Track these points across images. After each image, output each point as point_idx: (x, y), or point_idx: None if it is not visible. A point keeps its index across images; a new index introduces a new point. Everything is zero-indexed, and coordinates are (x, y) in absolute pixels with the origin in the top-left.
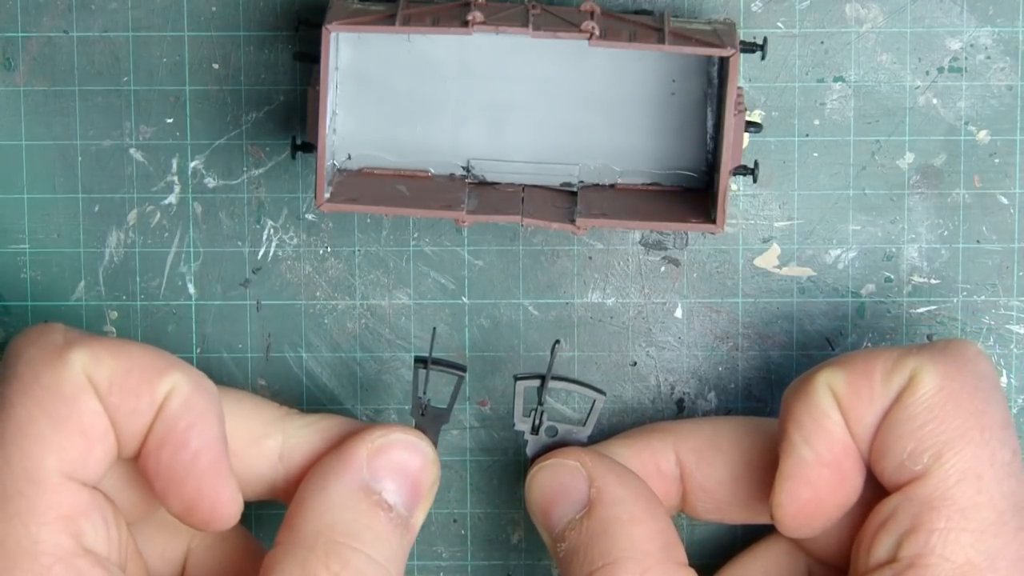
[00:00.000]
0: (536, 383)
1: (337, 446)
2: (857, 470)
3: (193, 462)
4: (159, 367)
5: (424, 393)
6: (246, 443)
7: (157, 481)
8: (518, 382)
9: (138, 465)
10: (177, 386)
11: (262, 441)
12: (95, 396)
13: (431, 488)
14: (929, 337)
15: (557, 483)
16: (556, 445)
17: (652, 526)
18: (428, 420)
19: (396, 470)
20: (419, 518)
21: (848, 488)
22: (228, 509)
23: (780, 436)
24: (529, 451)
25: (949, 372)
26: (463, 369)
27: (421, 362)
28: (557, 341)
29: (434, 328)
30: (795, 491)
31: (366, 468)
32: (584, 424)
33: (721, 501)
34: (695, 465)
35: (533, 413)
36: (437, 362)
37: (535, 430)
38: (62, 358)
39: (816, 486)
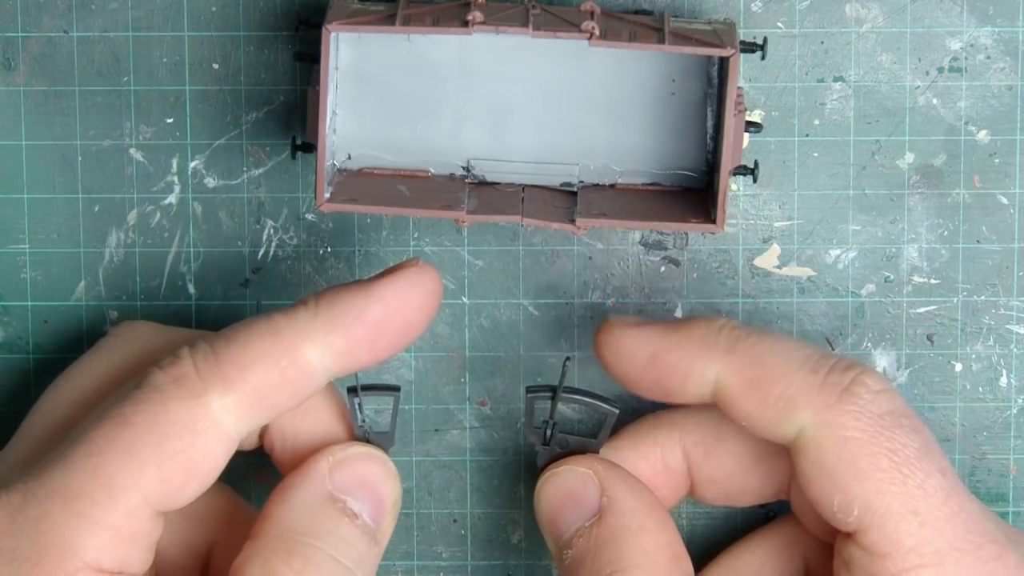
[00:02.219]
0: (547, 395)
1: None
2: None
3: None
4: (288, 342)
5: (363, 421)
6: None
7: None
8: (529, 395)
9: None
10: (312, 339)
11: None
12: (224, 436)
13: (395, 503)
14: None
15: (568, 490)
16: (567, 455)
17: (661, 537)
18: (375, 445)
19: (359, 482)
20: (385, 532)
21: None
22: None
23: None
24: (540, 462)
25: (848, 421)
26: (396, 388)
27: (352, 391)
28: (568, 358)
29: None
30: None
31: (329, 479)
32: (596, 438)
33: (730, 489)
34: (702, 458)
35: (544, 425)
36: (368, 387)
37: (546, 442)
38: (195, 394)
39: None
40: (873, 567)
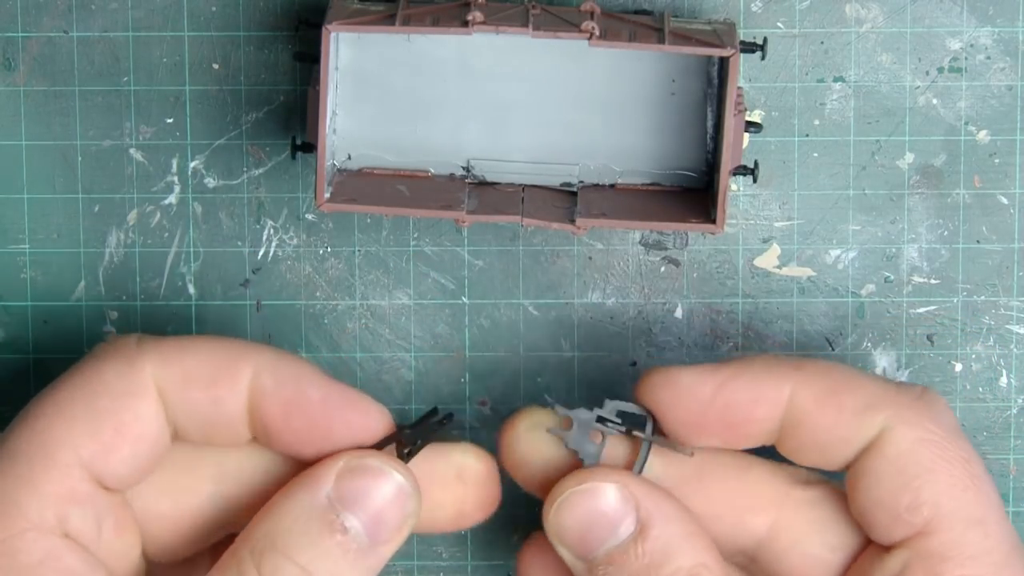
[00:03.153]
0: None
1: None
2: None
3: (325, 406)
4: (233, 355)
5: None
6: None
7: (307, 446)
8: (574, 411)
9: (278, 447)
10: (260, 365)
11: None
12: (153, 401)
13: (402, 522)
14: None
15: (596, 507)
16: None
17: (706, 537)
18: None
19: (362, 495)
20: (388, 548)
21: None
22: (378, 415)
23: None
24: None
25: (926, 424)
26: (450, 416)
27: (409, 441)
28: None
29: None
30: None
31: (332, 486)
32: (638, 469)
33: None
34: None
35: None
36: (423, 427)
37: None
38: (130, 359)
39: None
40: (931, 570)
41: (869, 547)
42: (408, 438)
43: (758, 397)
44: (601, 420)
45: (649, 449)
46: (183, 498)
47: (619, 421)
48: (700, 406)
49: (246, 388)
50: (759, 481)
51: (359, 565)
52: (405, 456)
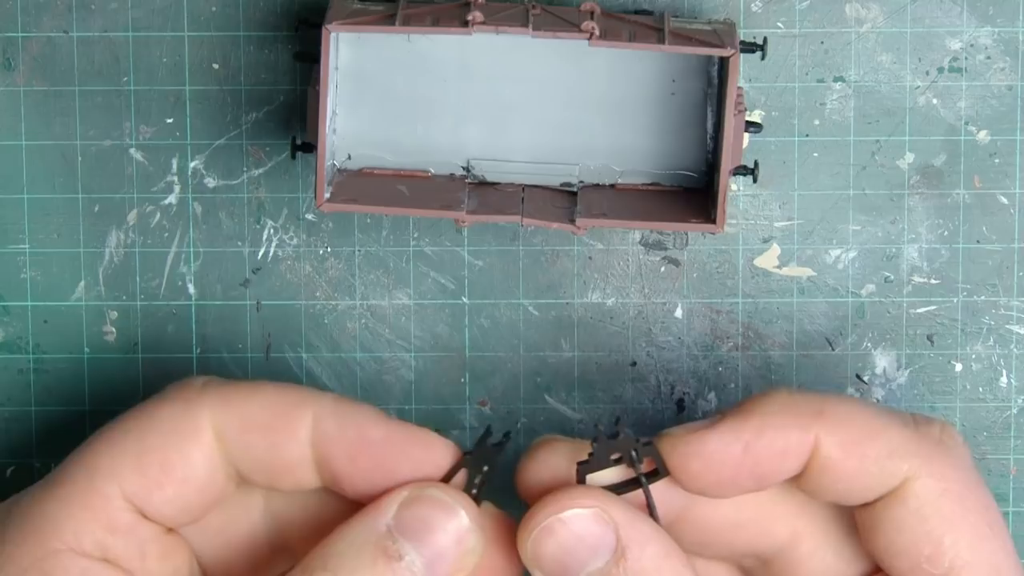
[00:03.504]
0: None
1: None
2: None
3: (388, 444)
4: (293, 401)
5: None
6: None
7: (375, 486)
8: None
9: (349, 491)
10: (320, 411)
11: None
12: (206, 445)
13: (464, 554)
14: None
15: (575, 532)
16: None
17: (683, 556)
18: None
19: (421, 528)
20: None
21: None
22: (442, 448)
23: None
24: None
25: (948, 473)
26: (508, 435)
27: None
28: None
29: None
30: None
31: (393, 515)
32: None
33: (718, 542)
34: (702, 502)
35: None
36: (483, 451)
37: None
38: (188, 401)
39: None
40: None
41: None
42: (472, 463)
43: (786, 450)
44: (635, 451)
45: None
46: (235, 512)
47: (637, 457)
48: (731, 469)
49: (307, 435)
50: (782, 490)
51: None
52: (476, 486)
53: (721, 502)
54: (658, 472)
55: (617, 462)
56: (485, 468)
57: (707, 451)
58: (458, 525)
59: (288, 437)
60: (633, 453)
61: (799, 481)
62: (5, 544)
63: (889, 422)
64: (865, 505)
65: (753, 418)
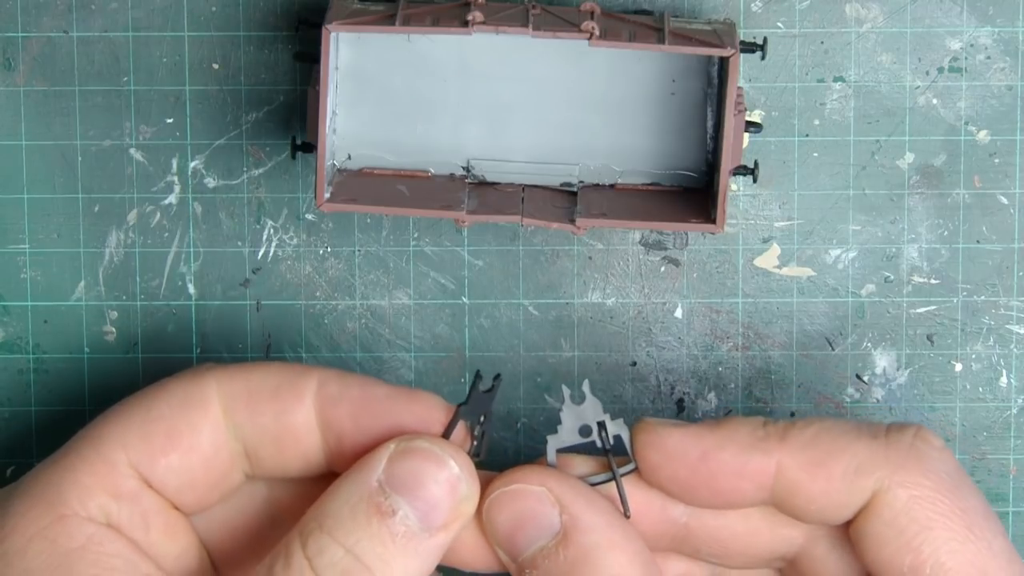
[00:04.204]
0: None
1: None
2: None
3: (391, 401)
4: (296, 371)
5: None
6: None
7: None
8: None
9: (352, 453)
10: (323, 377)
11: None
12: (213, 416)
13: (458, 504)
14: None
15: (522, 509)
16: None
17: (630, 549)
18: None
19: (411, 480)
20: (443, 535)
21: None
22: (443, 405)
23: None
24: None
25: (918, 480)
26: (498, 378)
27: (475, 412)
28: (491, 377)
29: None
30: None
31: (383, 469)
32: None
33: (730, 549)
34: (710, 515)
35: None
36: (477, 398)
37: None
38: (196, 375)
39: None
40: None
41: None
42: (468, 414)
43: (742, 471)
44: (601, 428)
45: (616, 474)
46: (241, 502)
47: (612, 444)
48: (687, 472)
49: (312, 400)
50: None
51: (410, 550)
52: (478, 438)
53: (727, 512)
54: (634, 465)
55: (586, 436)
56: (482, 418)
57: (667, 446)
58: (449, 474)
59: (294, 403)
60: (598, 427)
61: (777, 507)
62: (10, 516)
63: (856, 438)
64: (849, 524)
65: (720, 431)
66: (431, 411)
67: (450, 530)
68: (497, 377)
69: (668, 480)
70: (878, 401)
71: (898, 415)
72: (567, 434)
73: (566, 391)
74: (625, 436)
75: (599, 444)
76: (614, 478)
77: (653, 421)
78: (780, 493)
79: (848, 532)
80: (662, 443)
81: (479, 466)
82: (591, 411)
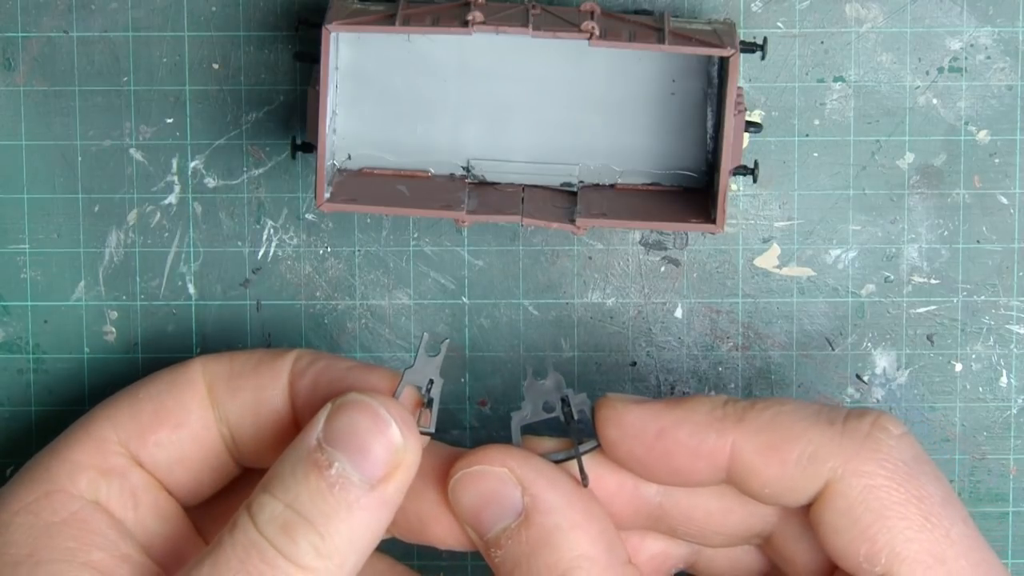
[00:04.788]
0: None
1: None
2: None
3: (349, 372)
4: (276, 351)
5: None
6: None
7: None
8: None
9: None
10: (300, 353)
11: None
12: (200, 395)
13: (395, 453)
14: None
15: (486, 489)
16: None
17: (594, 529)
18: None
19: (346, 433)
20: (388, 488)
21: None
22: (386, 371)
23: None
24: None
25: (872, 469)
26: (444, 341)
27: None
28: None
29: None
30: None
31: (321, 428)
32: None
33: (706, 528)
34: (684, 495)
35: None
36: (424, 362)
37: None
38: (184, 361)
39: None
40: None
41: None
42: (413, 377)
43: (697, 450)
44: (564, 403)
45: (578, 452)
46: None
47: (576, 419)
48: (642, 449)
49: (287, 377)
50: None
51: (352, 503)
52: (429, 400)
53: (699, 491)
54: (597, 443)
55: (550, 412)
56: (430, 382)
57: (625, 422)
58: (382, 425)
59: (272, 379)
60: (561, 403)
61: (736, 487)
62: (2, 495)
63: (813, 423)
64: (807, 508)
65: (679, 409)
66: (382, 379)
67: (393, 482)
68: (444, 341)
69: (626, 457)
70: (878, 401)
71: (898, 415)
72: (531, 411)
73: (528, 369)
74: (588, 412)
75: (562, 419)
76: (576, 455)
77: (614, 397)
78: (736, 474)
79: (808, 516)
80: (620, 419)
81: (440, 439)
82: (553, 386)
